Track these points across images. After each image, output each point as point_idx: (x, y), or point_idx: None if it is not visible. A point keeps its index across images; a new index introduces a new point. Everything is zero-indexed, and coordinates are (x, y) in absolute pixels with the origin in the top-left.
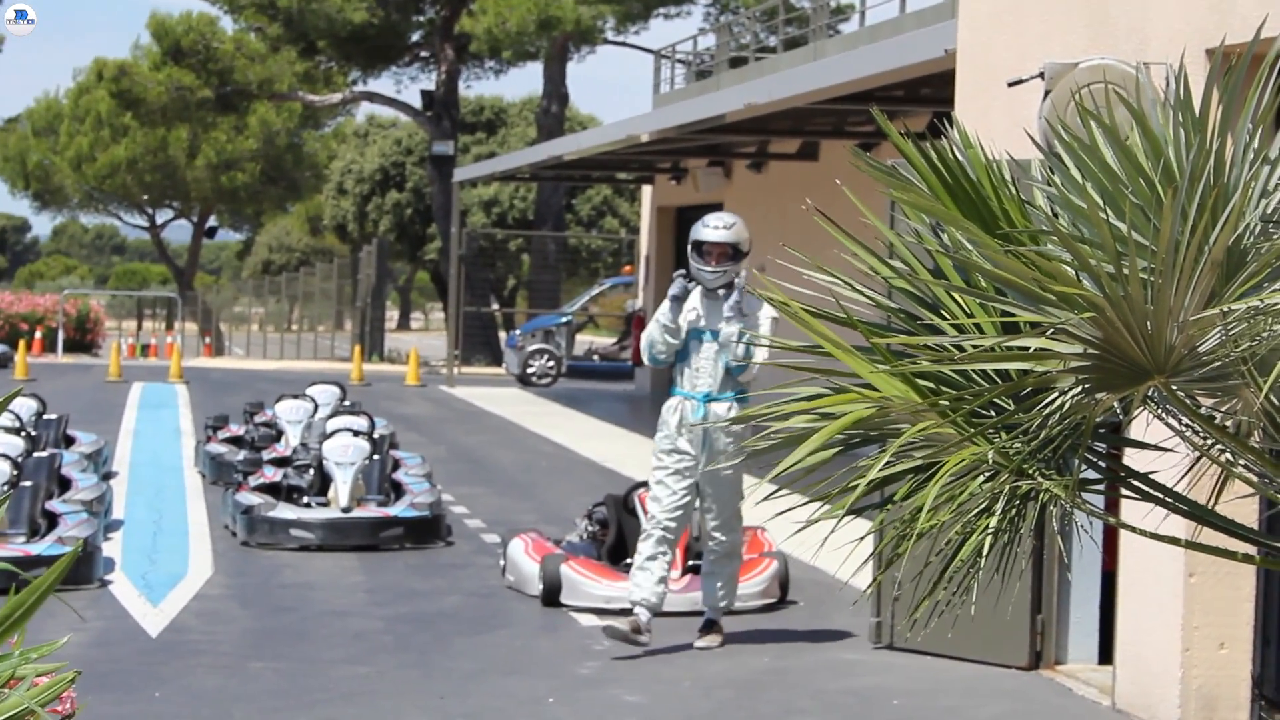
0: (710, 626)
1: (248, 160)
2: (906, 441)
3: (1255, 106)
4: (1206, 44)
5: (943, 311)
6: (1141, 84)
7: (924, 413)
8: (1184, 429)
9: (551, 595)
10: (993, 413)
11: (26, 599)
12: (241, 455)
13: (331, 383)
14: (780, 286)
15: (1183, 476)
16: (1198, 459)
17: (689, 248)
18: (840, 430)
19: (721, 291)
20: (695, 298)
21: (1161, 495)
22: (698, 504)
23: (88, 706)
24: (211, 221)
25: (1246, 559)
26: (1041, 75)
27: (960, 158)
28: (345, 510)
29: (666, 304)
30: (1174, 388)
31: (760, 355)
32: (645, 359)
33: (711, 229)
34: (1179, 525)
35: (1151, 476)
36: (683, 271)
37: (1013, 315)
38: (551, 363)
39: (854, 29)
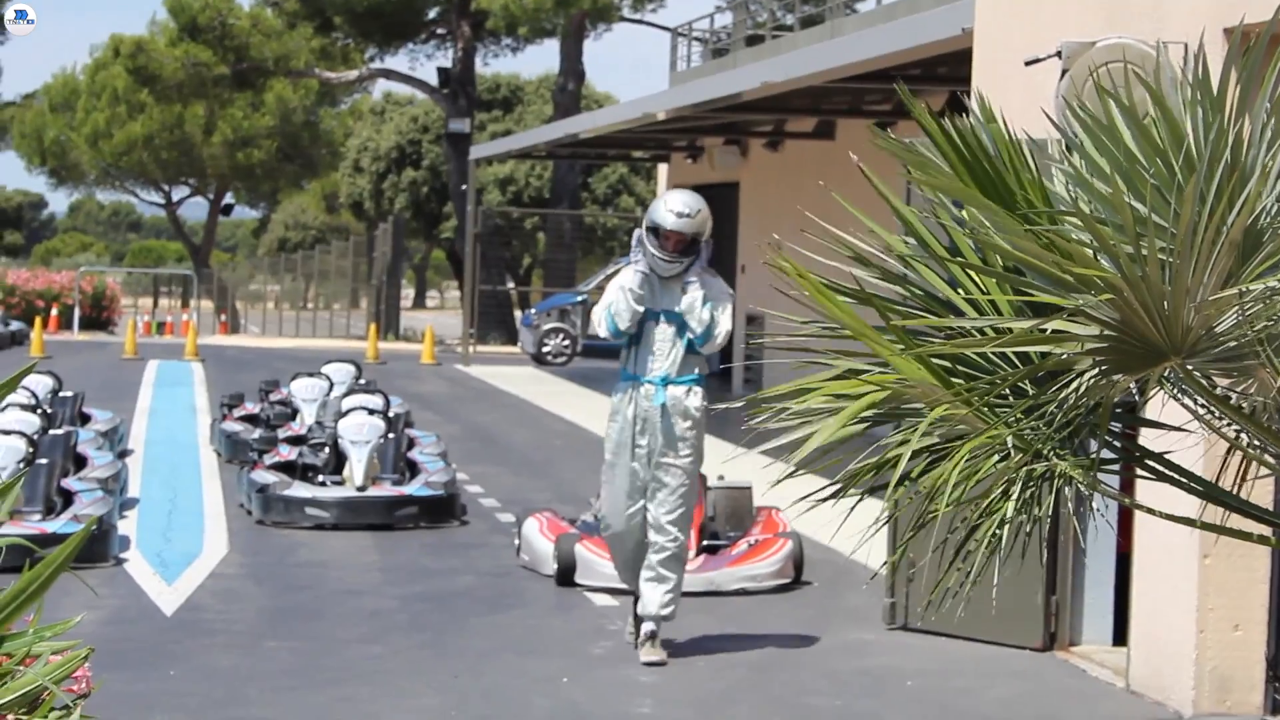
0: (653, 638)
1: (264, 137)
2: (927, 424)
3: (1273, 87)
4: (1225, 23)
5: (960, 290)
6: (1160, 63)
7: (941, 394)
8: (1200, 409)
9: (566, 575)
10: (1010, 394)
11: (40, 574)
12: (257, 433)
13: (347, 361)
14: (798, 256)
15: (1202, 458)
16: (1221, 444)
17: (645, 226)
18: (858, 413)
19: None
20: (645, 279)
21: (1177, 476)
22: (647, 500)
23: (104, 685)
24: (228, 199)
25: (1262, 540)
26: (1059, 54)
27: (981, 134)
28: (360, 489)
29: (634, 273)
30: (1190, 369)
31: (724, 326)
32: (604, 330)
33: (673, 216)
34: (1194, 506)
35: (1167, 457)
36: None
37: (1031, 295)
38: (567, 342)
39: (871, 7)
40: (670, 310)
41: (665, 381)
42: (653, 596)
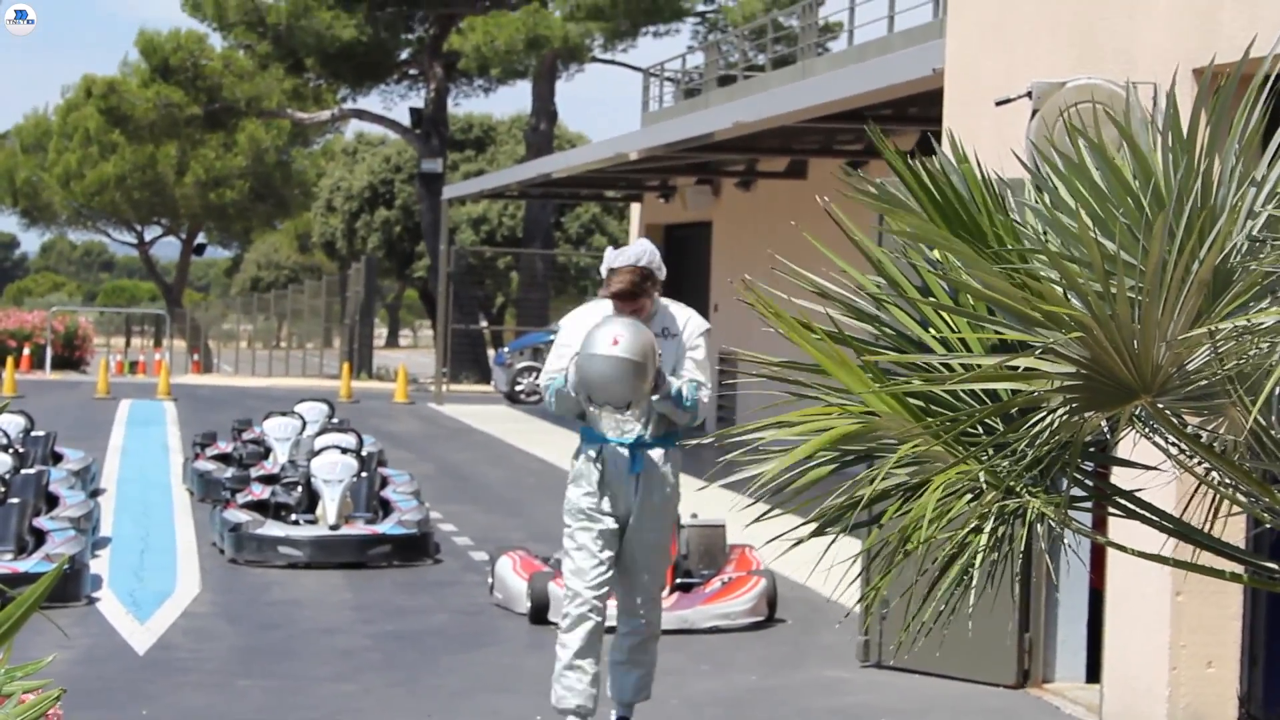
0: None
1: (236, 177)
2: (897, 460)
3: (1243, 127)
4: (1194, 64)
5: (931, 330)
6: (1129, 104)
7: (913, 431)
8: (1171, 448)
9: (539, 613)
10: (982, 432)
11: (12, 614)
12: (229, 473)
13: (320, 400)
14: (771, 295)
15: (1174, 496)
16: (1192, 482)
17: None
18: (828, 444)
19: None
20: None
21: (1148, 514)
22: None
23: None
24: (200, 238)
25: (1234, 578)
26: (1029, 94)
27: (952, 175)
28: (333, 528)
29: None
30: (1161, 407)
31: (705, 392)
32: (546, 401)
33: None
34: (1166, 544)
35: (1139, 495)
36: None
37: (1002, 334)
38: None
39: (842, 48)
40: None
41: (639, 444)
42: (625, 683)
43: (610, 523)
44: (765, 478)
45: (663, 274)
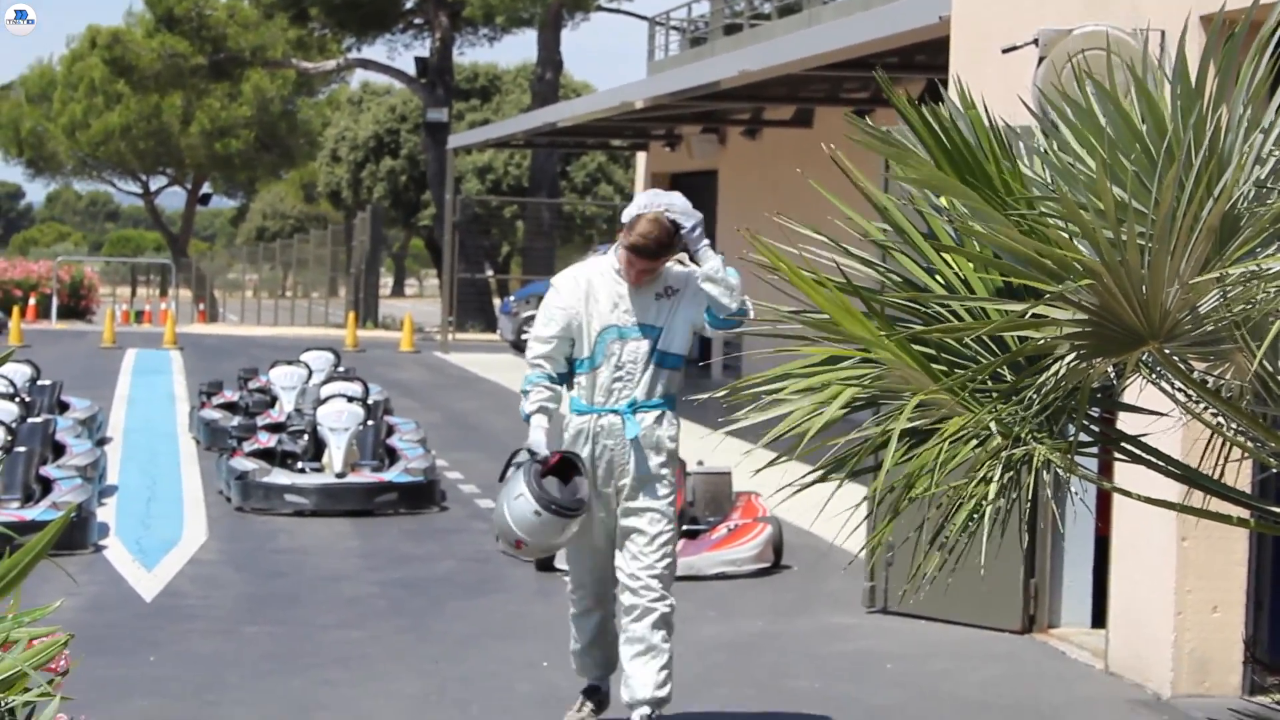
0: None
1: (242, 127)
2: (906, 409)
3: (1251, 74)
4: (1202, 10)
5: (938, 277)
6: (1137, 51)
7: (921, 379)
8: (1178, 394)
9: (545, 560)
10: (989, 380)
11: (19, 561)
12: (236, 421)
13: (326, 349)
14: (777, 249)
15: (1180, 442)
16: (1198, 427)
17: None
18: (836, 396)
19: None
20: (605, 287)
21: (1155, 459)
22: (619, 554)
23: (84, 670)
24: (206, 188)
25: (1240, 522)
26: (1036, 42)
27: (959, 121)
28: (339, 476)
29: (573, 282)
30: (1168, 353)
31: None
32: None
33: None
34: (1172, 490)
35: (1145, 441)
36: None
37: (1010, 281)
38: None
39: None
40: (647, 324)
41: (633, 408)
42: (644, 676)
43: (608, 499)
44: (784, 428)
45: (691, 231)
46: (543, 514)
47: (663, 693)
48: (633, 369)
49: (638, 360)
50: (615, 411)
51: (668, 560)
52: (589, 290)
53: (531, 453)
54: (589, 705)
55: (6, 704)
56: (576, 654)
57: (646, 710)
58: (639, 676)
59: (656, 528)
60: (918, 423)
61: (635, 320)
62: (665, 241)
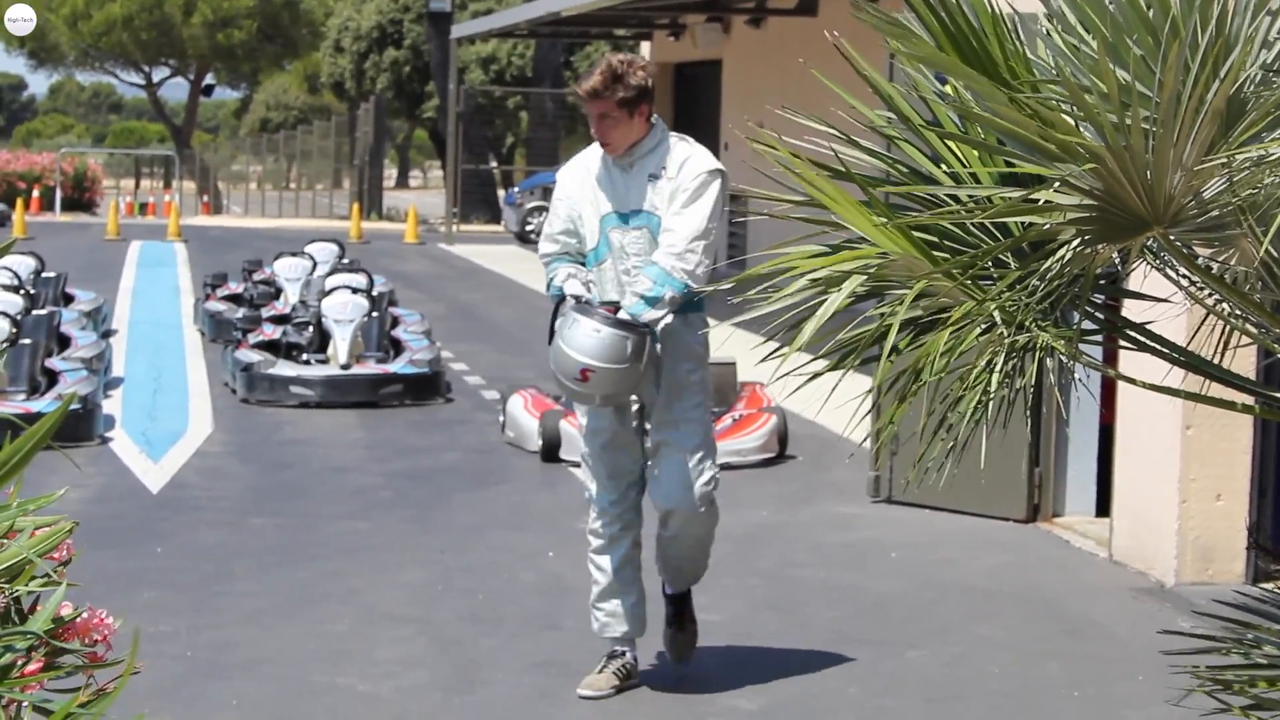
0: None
1: (244, 17)
2: (909, 299)
3: None
4: None
5: (942, 165)
6: None
7: (923, 265)
8: (1182, 280)
9: (551, 451)
10: (993, 267)
11: (22, 446)
12: (240, 313)
13: (330, 240)
14: (781, 141)
15: (1184, 329)
16: (1203, 314)
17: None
18: (848, 292)
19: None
20: (602, 171)
21: (1159, 346)
22: (649, 477)
23: (91, 562)
24: (208, 79)
25: (1245, 409)
26: None
27: (964, 4)
28: (344, 367)
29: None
30: (1172, 238)
31: (694, 260)
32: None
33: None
34: (1176, 378)
35: (1150, 328)
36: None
37: (1013, 167)
38: None
39: None
40: (644, 210)
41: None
42: (684, 575)
43: (629, 419)
44: (806, 332)
45: (638, 87)
46: (602, 329)
47: (702, 573)
48: (639, 262)
49: (642, 252)
50: (629, 312)
51: (708, 474)
52: (586, 176)
53: (576, 297)
54: (613, 667)
55: (12, 593)
56: (600, 598)
57: (673, 590)
58: (682, 575)
59: (693, 440)
60: (920, 309)
61: (632, 206)
62: (609, 75)
